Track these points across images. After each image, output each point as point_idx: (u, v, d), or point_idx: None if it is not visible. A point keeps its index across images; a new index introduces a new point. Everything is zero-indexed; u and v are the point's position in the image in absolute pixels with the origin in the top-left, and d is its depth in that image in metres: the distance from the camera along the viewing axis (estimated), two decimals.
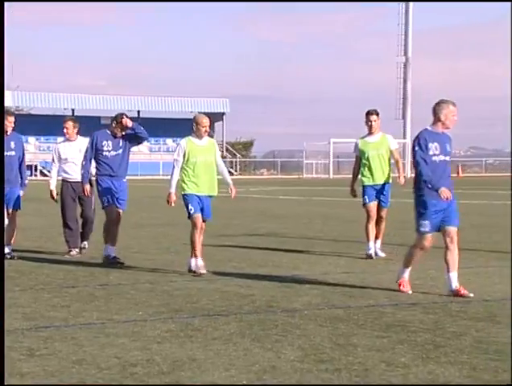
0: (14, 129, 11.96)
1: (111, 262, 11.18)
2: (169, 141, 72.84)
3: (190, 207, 10.24)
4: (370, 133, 12.27)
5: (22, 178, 12.10)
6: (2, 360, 6.01)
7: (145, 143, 68.49)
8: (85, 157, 11.48)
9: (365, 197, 12.24)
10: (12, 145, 11.93)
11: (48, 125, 63.06)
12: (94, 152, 11.43)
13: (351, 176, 12.58)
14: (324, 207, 25.41)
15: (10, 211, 11.96)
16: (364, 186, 12.28)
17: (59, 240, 14.01)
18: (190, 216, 10.30)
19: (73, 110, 68.70)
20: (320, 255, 12.61)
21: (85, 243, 12.50)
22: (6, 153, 11.78)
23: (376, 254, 12.16)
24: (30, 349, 6.33)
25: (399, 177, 12.45)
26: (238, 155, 73.08)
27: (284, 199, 31.14)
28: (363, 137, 12.36)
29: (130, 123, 11.38)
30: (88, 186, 11.53)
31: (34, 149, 66.66)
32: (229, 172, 65.62)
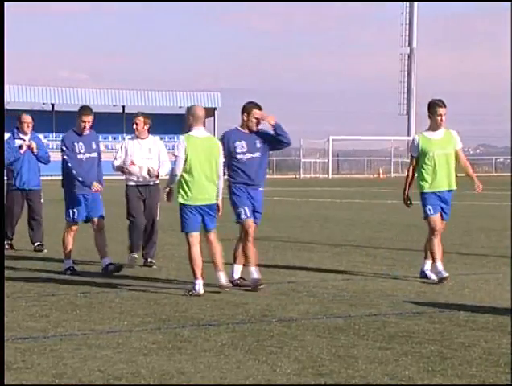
0: (91, 128, 11.44)
1: (255, 286, 9.78)
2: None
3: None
4: (435, 128, 10.66)
5: (100, 181, 11.48)
6: (2, 360, 6.11)
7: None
8: (224, 164, 9.92)
9: (429, 207, 10.60)
10: (93, 145, 11.41)
11: None
12: (228, 156, 9.91)
13: (405, 182, 10.79)
14: (322, 210, 25.44)
15: (96, 220, 11.32)
16: (424, 194, 10.64)
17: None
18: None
19: (53, 105, 68.62)
20: (318, 260, 12.62)
21: (152, 260, 11.90)
22: (88, 155, 11.26)
23: (425, 275, 10.67)
24: (7, 362, 6.32)
25: (474, 182, 10.83)
26: None
27: (279, 200, 31.15)
28: (423, 133, 10.77)
29: (271, 119, 9.97)
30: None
31: None
32: None
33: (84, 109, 11.46)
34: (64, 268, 11.23)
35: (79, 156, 11.28)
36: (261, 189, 10.09)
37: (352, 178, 61.66)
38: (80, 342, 7.02)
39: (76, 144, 11.29)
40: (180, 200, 9.61)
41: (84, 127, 11.33)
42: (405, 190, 10.77)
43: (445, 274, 10.40)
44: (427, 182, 10.64)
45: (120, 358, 6.50)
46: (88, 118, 11.31)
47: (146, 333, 7.42)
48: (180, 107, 71.25)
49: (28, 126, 13.73)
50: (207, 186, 9.66)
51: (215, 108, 72.34)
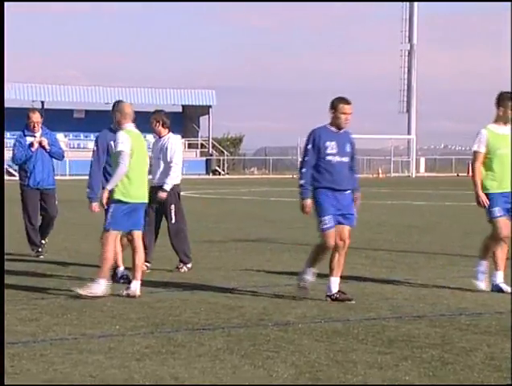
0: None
1: (339, 299, 9.38)
2: (150, 137, 72.57)
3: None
4: (505, 122, 9.94)
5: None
6: (2, 360, 6.16)
7: None
8: (305, 162, 9.33)
9: (494, 209, 9.85)
10: None
11: (15, 119, 62.70)
12: (316, 155, 9.30)
13: (474, 180, 9.99)
14: None
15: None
16: (492, 195, 9.89)
17: (26, 245, 13.95)
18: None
19: (43, 102, 68.58)
20: None
21: (186, 267, 11.68)
22: None
23: (499, 288, 9.91)
24: None
25: None
26: (226, 153, 73.09)
27: (277, 201, 31.16)
28: (490, 127, 9.97)
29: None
30: (309, 202, 9.41)
31: None
32: (216, 171, 64.65)
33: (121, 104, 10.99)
34: (118, 276, 10.63)
35: None
36: (348, 192, 9.47)
37: None
38: (71, 347, 7.01)
39: (112, 142, 10.70)
40: (120, 197, 9.54)
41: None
42: (478, 188, 9.88)
43: (506, 288, 9.88)
44: (493, 181, 9.90)
45: (112, 363, 6.50)
46: None
47: (138, 337, 7.41)
48: (174, 105, 71.28)
49: (35, 126, 13.33)
50: (144, 184, 9.76)
51: (210, 106, 72.32)
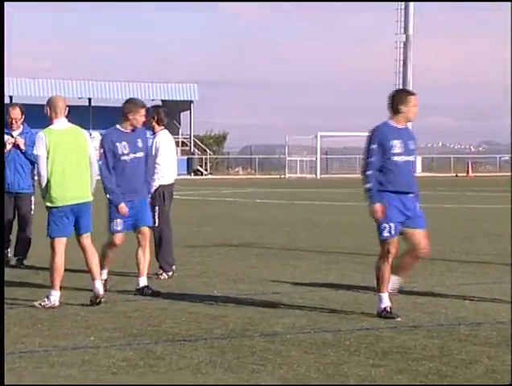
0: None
1: (385, 316, 8.94)
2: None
3: None
4: None
5: (149, 182, 11.09)
6: (2, 360, 6.23)
7: (94, 134, 68.34)
8: (370, 163, 9.03)
9: None
10: (139, 143, 10.68)
11: None
12: (381, 156, 9.04)
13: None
14: (309, 213, 25.48)
15: (143, 230, 10.69)
16: None
17: None
18: None
19: (11, 97, 68.39)
20: (305, 269, 12.64)
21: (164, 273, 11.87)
22: (133, 156, 10.57)
23: None
24: None
25: None
26: (209, 151, 73.08)
27: (263, 202, 31.19)
28: None
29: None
30: (379, 206, 9.06)
31: None
32: (198, 171, 64.75)
33: (137, 105, 10.70)
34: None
35: (122, 157, 10.57)
36: (411, 196, 9.20)
37: (342, 179, 61.77)
38: (42, 360, 7.00)
39: (118, 144, 10.55)
40: (48, 204, 9.56)
41: (138, 124, 10.64)
42: None
43: None
44: None
45: (86, 377, 6.49)
46: (142, 112, 10.62)
47: (115, 349, 7.41)
48: (153, 100, 71.24)
49: (14, 123, 12.99)
50: (76, 183, 9.62)
51: (191, 102, 72.29)
